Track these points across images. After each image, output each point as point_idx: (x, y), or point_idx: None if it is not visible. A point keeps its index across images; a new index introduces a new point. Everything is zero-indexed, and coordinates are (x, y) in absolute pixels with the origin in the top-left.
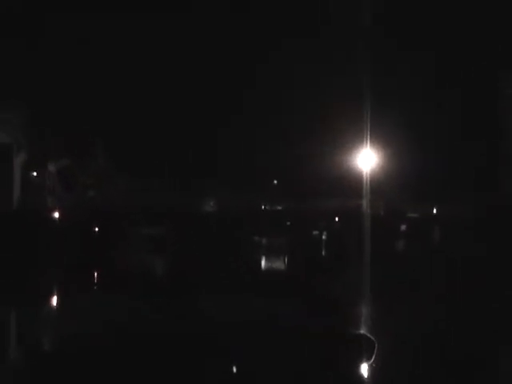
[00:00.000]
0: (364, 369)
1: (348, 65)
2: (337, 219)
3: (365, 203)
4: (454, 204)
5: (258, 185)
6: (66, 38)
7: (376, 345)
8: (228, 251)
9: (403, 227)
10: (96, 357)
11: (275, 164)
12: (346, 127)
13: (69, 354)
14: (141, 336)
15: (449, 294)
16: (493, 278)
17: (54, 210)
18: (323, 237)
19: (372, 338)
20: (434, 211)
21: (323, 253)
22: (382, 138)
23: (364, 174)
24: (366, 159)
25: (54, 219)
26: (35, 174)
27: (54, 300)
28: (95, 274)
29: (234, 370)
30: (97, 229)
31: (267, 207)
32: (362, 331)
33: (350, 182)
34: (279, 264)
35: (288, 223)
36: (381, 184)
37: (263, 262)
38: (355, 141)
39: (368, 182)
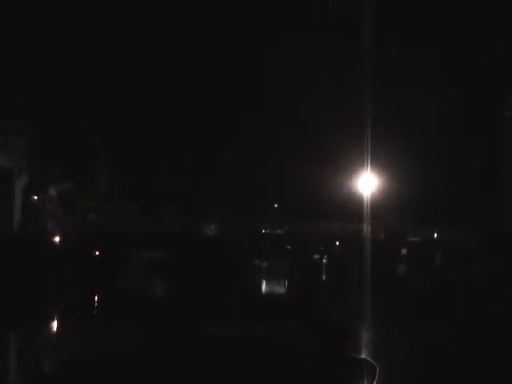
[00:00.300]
0: None
1: (349, 89)
2: (337, 243)
3: (365, 227)
4: (454, 228)
5: (258, 208)
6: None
7: (377, 369)
8: (228, 275)
9: (404, 251)
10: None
11: (276, 188)
12: (346, 151)
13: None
14: (140, 361)
15: (450, 319)
16: (493, 303)
17: (54, 234)
18: (324, 260)
19: (373, 362)
20: (435, 235)
21: (324, 277)
22: (382, 162)
23: (364, 197)
24: (367, 183)
25: (54, 243)
26: (36, 197)
27: (54, 325)
28: (96, 298)
29: None
30: (97, 252)
31: (268, 231)
32: (363, 356)
33: (351, 206)
34: (280, 288)
35: (288, 247)
36: (381, 208)
37: (263, 286)
38: (356, 164)
39: (368, 205)
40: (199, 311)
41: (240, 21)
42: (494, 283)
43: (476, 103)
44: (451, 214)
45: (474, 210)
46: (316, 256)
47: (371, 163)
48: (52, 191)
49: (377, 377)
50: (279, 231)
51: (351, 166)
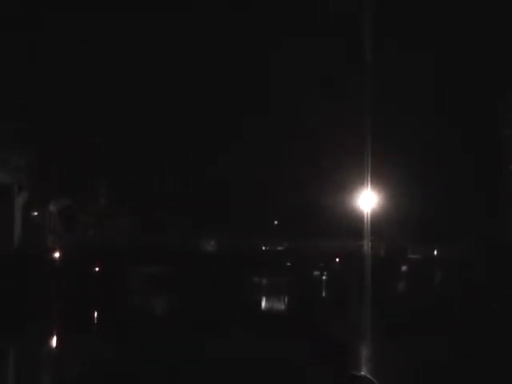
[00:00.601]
0: None
1: (349, 106)
2: (337, 260)
3: (365, 244)
4: (454, 244)
5: (258, 225)
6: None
7: None
8: (228, 292)
9: (404, 268)
10: None
11: (276, 204)
12: (346, 168)
13: None
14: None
15: (448, 336)
16: (491, 321)
17: (54, 250)
18: (324, 277)
19: (373, 379)
20: (435, 252)
21: (324, 293)
22: (382, 179)
23: (365, 214)
24: (367, 200)
25: (54, 259)
26: (36, 213)
27: (53, 339)
28: (95, 313)
29: None
30: (97, 268)
31: (268, 247)
32: (363, 372)
33: (351, 223)
34: (279, 304)
35: (288, 264)
36: (381, 224)
37: (263, 303)
38: (356, 181)
39: (369, 222)
40: (198, 329)
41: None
42: (492, 302)
43: (475, 119)
44: (451, 230)
45: (474, 226)
46: (316, 273)
47: (371, 180)
48: (52, 207)
49: None
50: (279, 248)
51: (351, 182)
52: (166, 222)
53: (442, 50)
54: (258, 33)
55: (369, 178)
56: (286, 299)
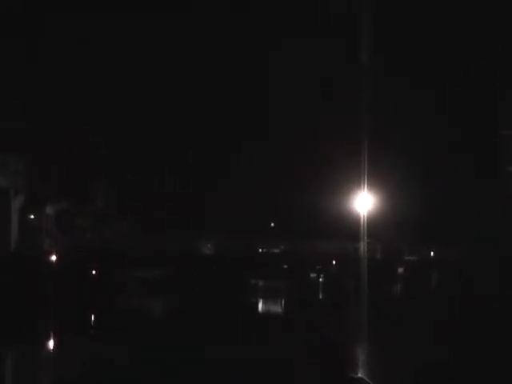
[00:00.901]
0: None
1: (347, 107)
2: (334, 262)
3: (362, 246)
4: (452, 246)
5: (255, 227)
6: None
7: None
8: (225, 294)
9: (401, 270)
10: None
11: (273, 207)
12: (343, 170)
13: None
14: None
15: (445, 338)
16: (488, 323)
17: (51, 253)
18: (320, 279)
19: (370, 381)
20: (432, 254)
21: (321, 295)
22: (379, 181)
23: (361, 216)
24: (364, 202)
25: (51, 261)
26: (33, 216)
27: (51, 342)
28: (93, 316)
29: None
30: (94, 271)
31: (264, 250)
32: (360, 374)
33: (348, 225)
34: (276, 307)
35: (285, 266)
36: (378, 226)
37: (260, 306)
38: (353, 184)
39: (365, 224)
40: (197, 330)
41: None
42: (491, 305)
43: (474, 119)
44: (449, 232)
45: (473, 227)
46: (313, 275)
47: (368, 182)
48: (49, 210)
49: None
50: (276, 250)
51: (348, 184)
52: (165, 223)
53: (441, 49)
54: (258, 33)
55: (365, 180)
56: (283, 301)
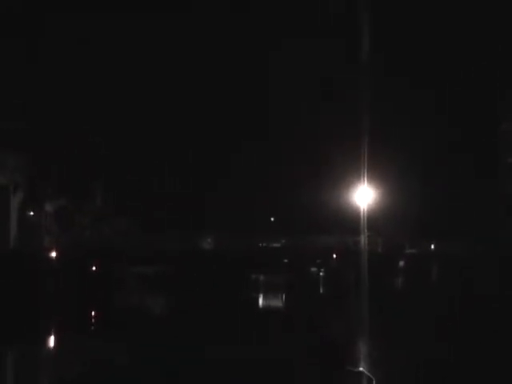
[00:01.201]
0: None
1: (346, 101)
2: (334, 256)
3: (362, 240)
4: (452, 240)
5: (255, 222)
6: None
7: (374, 382)
8: (225, 289)
9: (401, 263)
10: None
11: (272, 201)
12: (343, 163)
13: None
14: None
15: (446, 332)
16: (488, 318)
17: (50, 250)
18: (321, 273)
19: (370, 375)
20: (432, 247)
21: (321, 290)
22: (379, 174)
23: (361, 210)
24: (364, 195)
25: (50, 259)
26: (32, 213)
27: (51, 340)
28: (92, 314)
29: None
30: (94, 268)
31: (264, 244)
32: (361, 368)
33: (348, 219)
34: (277, 302)
35: (285, 260)
36: (378, 220)
37: (261, 301)
38: (352, 177)
39: (365, 218)
40: (197, 328)
41: (246, 23)
42: (491, 298)
43: (474, 113)
44: (450, 225)
45: (473, 223)
46: (313, 269)
47: (368, 175)
48: (48, 207)
49: None
50: (276, 244)
51: (348, 178)
52: (165, 221)
53: (442, 45)
54: (258, 33)
55: (365, 173)
56: (284, 296)
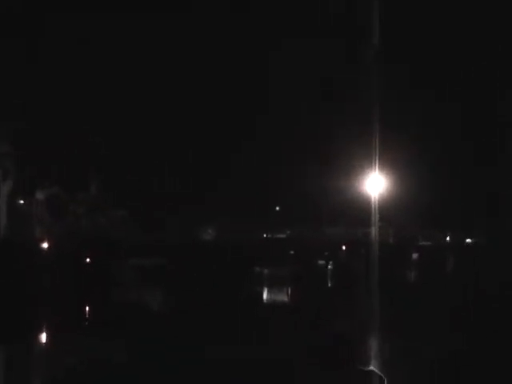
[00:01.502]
0: None
1: (355, 87)
2: (343, 248)
3: (373, 231)
4: (467, 230)
5: (259, 211)
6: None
7: (385, 381)
8: (227, 283)
9: (415, 256)
10: None
11: (277, 189)
12: (352, 150)
13: None
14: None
15: (461, 329)
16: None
17: (42, 240)
18: (329, 266)
19: (381, 374)
20: (448, 239)
21: (329, 284)
22: (391, 161)
23: (372, 199)
24: (375, 183)
25: (42, 249)
26: (22, 202)
27: (44, 337)
28: (87, 309)
29: None
30: (88, 260)
31: (269, 235)
32: (371, 367)
33: (358, 209)
34: (282, 296)
35: (291, 252)
36: (390, 210)
37: (265, 295)
38: (363, 164)
39: (376, 208)
40: (197, 324)
41: (246, 23)
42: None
43: (488, 99)
44: (464, 215)
45: (488, 212)
46: (321, 262)
47: (379, 163)
48: (40, 195)
49: None
50: (281, 235)
51: (358, 165)
52: (163, 212)
53: (451, 29)
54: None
55: (377, 161)
56: (290, 291)
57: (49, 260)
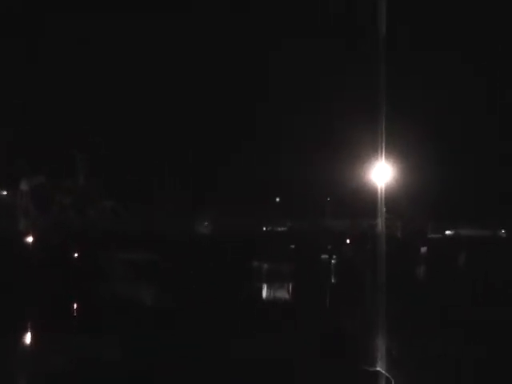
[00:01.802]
0: None
1: (360, 71)
2: (348, 241)
3: (380, 223)
4: (480, 223)
5: (257, 202)
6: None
7: (393, 382)
8: (223, 279)
9: (424, 250)
10: None
11: (277, 179)
12: (357, 137)
13: None
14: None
15: (475, 330)
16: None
17: (27, 233)
18: (332, 261)
19: (388, 375)
20: (459, 232)
21: (333, 280)
22: (398, 149)
23: (379, 189)
24: (381, 173)
25: (26, 243)
26: (5, 192)
27: (27, 337)
28: (74, 306)
29: None
30: (76, 254)
31: (269, 228)
32: (378, 368)
33: (363, 200)
34: (283, 293)
35: (292, 246)
36: (398, 201)
37: (264, 292)
38: (369, 152)
39: (383, 198)
40: (193, 322)
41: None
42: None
43: (502, 85)
44: (476, 207)
45: (502, 202)
46: (324, 256)
47: (386, 150)
48: (24, 185)
49: None
50: (282, 228)
51: (363, 153)
52: (155, 203)
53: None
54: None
55: (383, 148)
56: (291, 287)
57: (34, 254)
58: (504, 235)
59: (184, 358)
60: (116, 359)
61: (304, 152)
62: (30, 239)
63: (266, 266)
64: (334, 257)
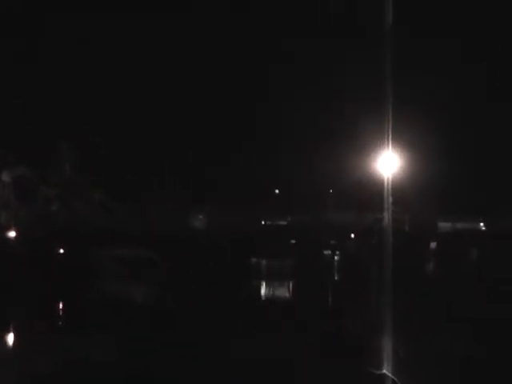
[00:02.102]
0: None
1: (367, 58)
2: (352, 236)
3: (386, 217)
4: (493, 216)
5: (256, 195)
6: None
7: None
8: (220, 276)
9: (433, 245)
10: None
11: (277, 170)
12: (363, 125)
13: None
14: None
15: (485, 329)
16: None
17: (8, 227)
18: (336, 257)
19: (395, 378)
20: (471, 226)
21: (336, 277)
22: (406, 138)
23: (385, 181)
24: (388, 163)
25: (8, 238)
26: None
27: (9, 340)
28: (60, 306)
29: None
30: (61, 250)
31: (268, 222)
32: (384, 371)
33: (369, 192)
34: (283, 291)
35: (293, 241)
36: (405, 193)
37: (265, 290)
38: (374, 141)
39: (390, 191)
40: (188, 320)
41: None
42: None
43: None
44: (490, 199)
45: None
46: (326, 252)
47: (393, 139)
48: (5, 176)
49: None
50: (282, 222)
51: (369, 142)
52: (147, 195)
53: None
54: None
55: (390, 137)
56: (291, 285)
57: (17, 250)
58: (470, 228)
59: (183, 358)
60: (112, 359)
61: (305, 140)
62: (12, 234)
63: (265, 262)
64: (338, 252)
